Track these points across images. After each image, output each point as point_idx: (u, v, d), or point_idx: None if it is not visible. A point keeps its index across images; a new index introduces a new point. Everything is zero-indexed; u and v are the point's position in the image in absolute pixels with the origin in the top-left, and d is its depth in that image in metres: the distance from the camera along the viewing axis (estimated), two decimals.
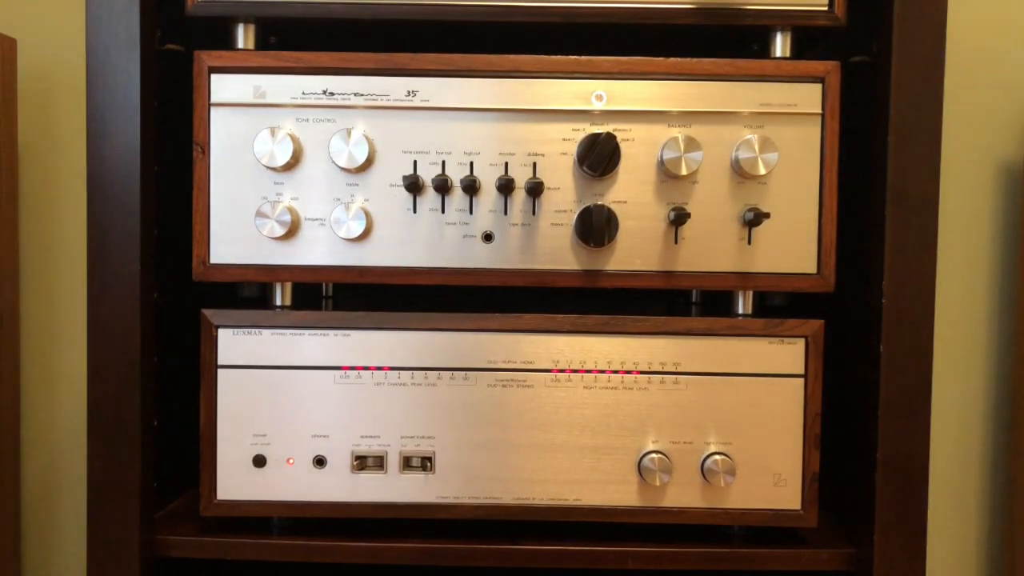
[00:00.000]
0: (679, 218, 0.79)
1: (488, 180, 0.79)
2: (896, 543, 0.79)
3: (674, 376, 0.81)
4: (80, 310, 1.18)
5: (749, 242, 0.80)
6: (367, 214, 0.79)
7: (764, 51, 0.83)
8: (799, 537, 0.83)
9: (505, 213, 0.80)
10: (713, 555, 0.81)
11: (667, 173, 0.79)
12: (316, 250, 0.80)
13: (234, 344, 0.80)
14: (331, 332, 0.80)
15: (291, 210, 0.79)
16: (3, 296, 1.10)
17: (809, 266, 0.81)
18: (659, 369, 0.81)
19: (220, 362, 0.80)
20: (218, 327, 0.80)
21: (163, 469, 0.86)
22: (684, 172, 0.78)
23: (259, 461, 0.81)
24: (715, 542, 0.82)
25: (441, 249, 0.80)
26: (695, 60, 0.79)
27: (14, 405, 1.15)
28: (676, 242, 0.80)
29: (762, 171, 0.79)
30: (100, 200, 0.79)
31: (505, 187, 0.79)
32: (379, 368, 0.80)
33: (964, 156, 1.18)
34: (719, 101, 0.80)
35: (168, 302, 0.85)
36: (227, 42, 0.82)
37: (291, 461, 0.81)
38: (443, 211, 0.80)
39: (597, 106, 0.80)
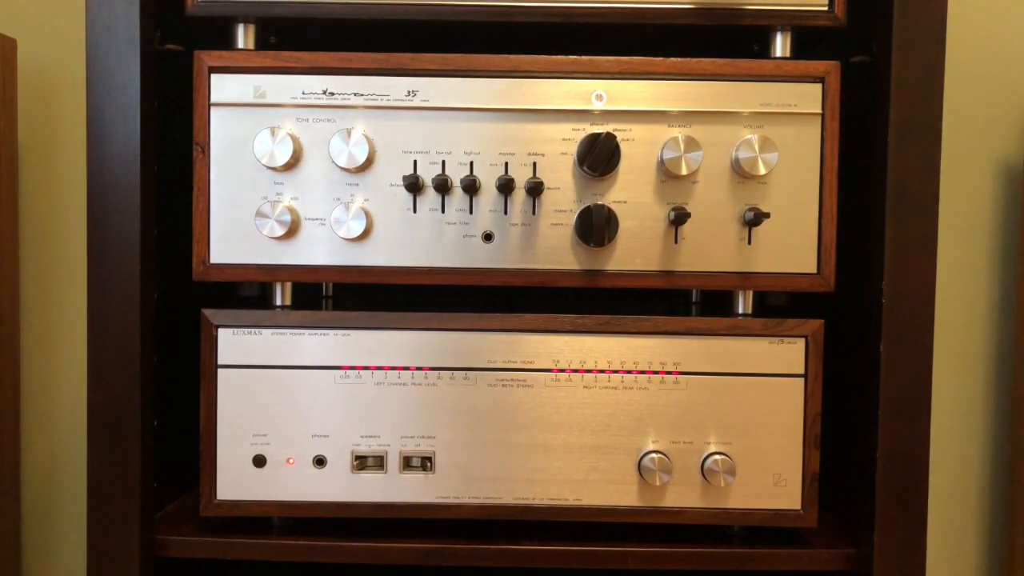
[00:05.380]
0: (679, 218, 0.79)
1: (488, 180, 0.79)
2: (896, 543, 0.79)
3: (674, 376, 0.81)
4: (80, 310, 1.18)
5: (749, 242, 0.80)
6: (367, 214, 0.79)
7: (764, 51, 0.83)
8: (799, 537, 0.83)
9: (505, 213, 0.80)
10: (713, 555, 0.81)
11: (667, 173, 0.79)
12: (316, 250, 0.80)
13: (234, 344, 0.80)
14: (331, 332, 0.80)
15: (291, 210, 0.79)
16: (3, 296, 1.10)
17: (809, 266, 0.81)
18: (659, 369, 0.81)
19: (220, 362, 0.80)
20: (218, 327, 0.80)
21: (163, 469, 0.86)
22: (684, 172, 0.78)
23: (259, 461, 0.81)
24: (715, 542, 0.82)
25: (441, 249, 0.80)
26: (695, 60, 0.79)
27: (14, 405, 1.15)
28: (676, 242, 0.80)
29: (762, 171, 0.79)
30: (100, 200, 0.79)
31: (505, 187, 0.79)
32: (379, 368, 0.80)
33: (964, 156, 1.18)
34: (719, 101, 0.80)
35: (168, 302, 0.85)
36: (227, 42, 0.82)
37: (291, 461, 0.81)
38: (443, 211, 0.80)
39: (597, 106, 0.80)
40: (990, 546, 1.22)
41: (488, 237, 0.80)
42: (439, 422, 0.80)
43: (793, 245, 0.80)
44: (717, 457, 0.80)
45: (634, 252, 0.80)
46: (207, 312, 0.80)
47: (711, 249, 0.80)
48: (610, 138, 0.77)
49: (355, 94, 0.79)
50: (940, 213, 0.78)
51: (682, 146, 0.78)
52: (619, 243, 0.80)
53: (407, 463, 0.81)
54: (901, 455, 0.79)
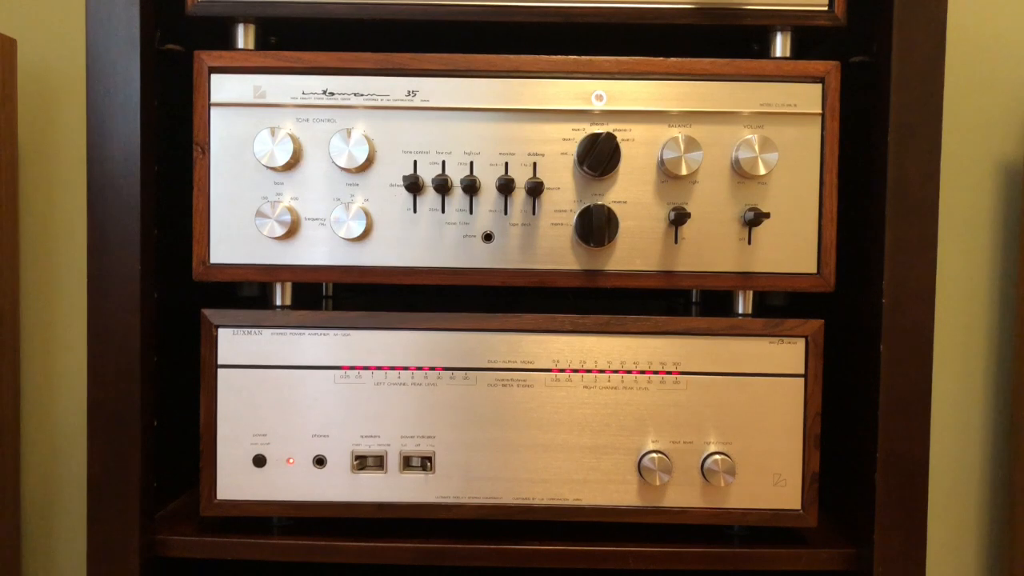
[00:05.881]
0: (679, 218, 0.79)
1: (488, 180, 0.79)
2: (896, 543, 0.79)
3: (674, 376, 0.81)
4: (80, 310, 1.18)
5: (749, 242, 0.80)
6: (367, 214, 0.79)
7: (764, 51, 0.83)
8: (799, 537, 0.83)
9: (505, 213, 0.80)
10: (713, 555, 0.81)
11: (667, 173, 0.79)
12: (316, 250, 0.80)
13: (234, 344, 0.80)
14: (331, 332, 0.80)
15: (291, 210, 0.79)
16: (3, 296, 1.10)
17: (809, 266, 0.81)
18: (659, 369, 0.81)
19: (220, 362, 0.80)
20: (218, 327, 0.80)
21: (163, 469, 0.86)
22: (684, 172, 0.78)
23: (259, 461, 0.81)
24: (715, 542, 0.82)
25: (441, 249, 0.80)
26: (695, 60, 0.79)
27: (14, 405, 1.15)
28: (676, 242, 0.80)
29: (762, 171, 0.79)
30: (100, 200, 0.79)
31: (505, 187, 0.79)
32: (379, 368, 0.80)
33: (964, 156, 1.18)
34: (719, 101, 0.80)
35: (168, 302, 0.85)
36: (227, 42, 0.82)
37: (291, 461, 0.81)
38: (443, 211, 0.80)
39: (597, 106, 0.80)
40: (990, 546, 1.22)
41: (488, 237, 0.80)
42: (439, 422, 0.81)
43: (793, 245, 0.80)
44: (717, 457, 0.80)
45: (634, 252, 0.80)
46: (207, 312, 0.80)
47: (711, 249, 0.80)
48: (610, 138, 0.77)
49: (355, 94, 0.79)
50: (940, 213, 0.78)
51: (682, 146, 0.78)
52: (619, 243, 0.80)
53: (407, 463, 0.81)
54: (901, 455, 0.79)
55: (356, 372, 0.80)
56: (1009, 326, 1.20)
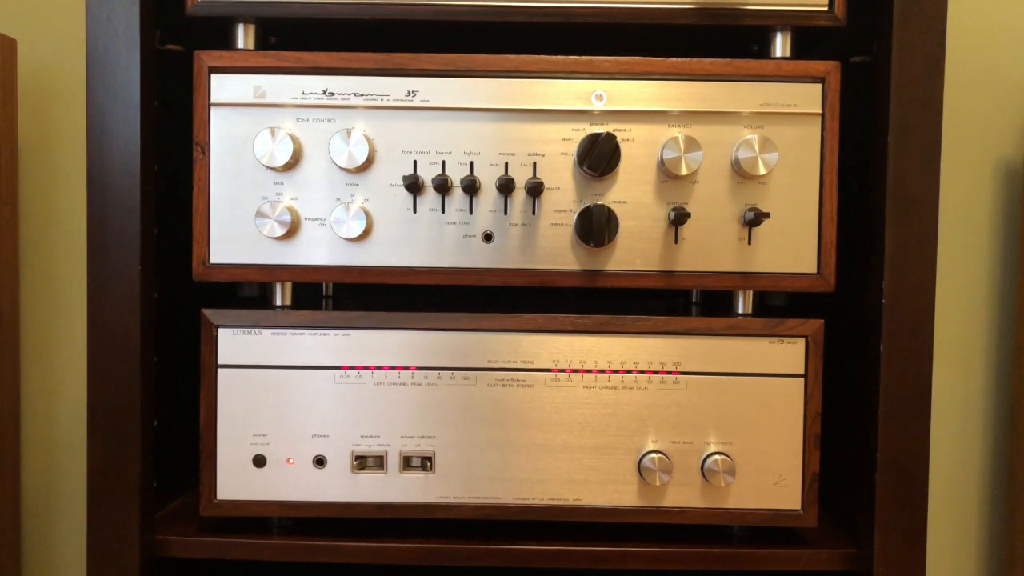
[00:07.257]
0: (679, 218, 0.79)
1: (488, 180, 0.79)
2: (896, 543, 0.79)
3: (674, 376, 0.81)
4: (80, 310, 1.18)
5: (749, 242, 0.80)
6: (367, 214, 0.79)
7: (764, 51, 0.83)
8: (799, 537, 0.83)
9: (505, 213, 0.80)
10: (713, 555, 0.81)
11: (667, 173, 0.79)
12: (316, 250, 0.80)
13: (234, 344, 0.80)
14: (331, 332, 0.80)
15: (291, 210, 0.79)
16: (3, 296, 1.10)
17: (809, 266, 0.81)
18: (659, 369, 0.81)
19: (220, 362, 0.80)
20: (218, 327, 0.80)
21: (163, 469, 0.86)
22: (684, 172, 0.78)
23: (259, 461, 0.81)
24: (715, 542, 0.82)
25: (441, 249, 0.80)
26: (695, 60, 0.79)
27: (14, 405, 1.15)
28: (676, 242, 0.80)
29: (762, 171, 0.79)
30: (100, 200, 0.79)
31: (505, 187, 0.79)
32: (379, 368, 0.80)
33: (964, 156, 1.18)
34: (719, 101, 0.80)
35: (168, 302, 0.85)
36: (227, 42, 0.82)
37: (291, 461, 0.81)
38: (443, 211, 0.80)
39: (597, 106, 0.80)
40: (990, 546, 1.22)
41: (488, 237, 0.80)
42: (439, 422, 0.80)
43: (793, 245, 0.80)
44: (717, 457, 0.80)
45: (634, 252, 0.80)
46: (207, 312, 0.80)
47: (711, 249, 0.80)
48: (610, 138, 0.77)
49: (355, 94, 0.79)
50: (940, 213, 0.78)
51: (682, 146, 0.78)
52: (619, 243, 0.80)
53: (407, 463, 0.81)
54: (901, 455, 0.79)
55: (356, 372, 0.80)
56: (1009, 326, 1.20)
